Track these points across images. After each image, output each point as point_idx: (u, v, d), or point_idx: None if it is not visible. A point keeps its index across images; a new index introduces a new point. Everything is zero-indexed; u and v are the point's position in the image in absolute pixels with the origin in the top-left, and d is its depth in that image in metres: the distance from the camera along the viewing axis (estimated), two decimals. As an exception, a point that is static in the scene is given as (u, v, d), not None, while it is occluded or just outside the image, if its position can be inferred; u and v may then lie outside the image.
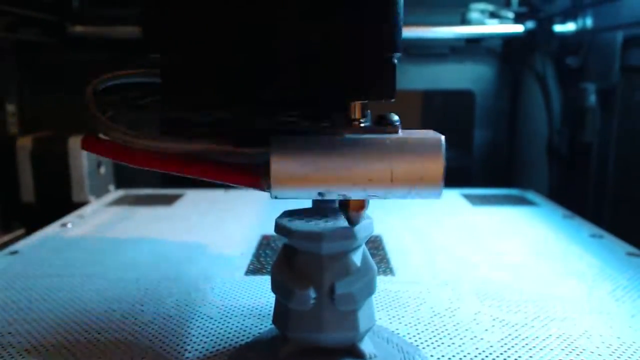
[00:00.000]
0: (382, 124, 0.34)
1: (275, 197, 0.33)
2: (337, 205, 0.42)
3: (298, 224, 0.37)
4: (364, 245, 0.38)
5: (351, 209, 0.35)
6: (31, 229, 0.94)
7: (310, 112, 0.36)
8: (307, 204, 0.41)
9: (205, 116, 0.37)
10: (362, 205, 0.35)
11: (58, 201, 1.01)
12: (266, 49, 0.31)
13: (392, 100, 0.32)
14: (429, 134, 0.34)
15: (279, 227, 0.38)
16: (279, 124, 0.35)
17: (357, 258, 0.37)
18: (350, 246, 0.37)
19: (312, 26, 0.30)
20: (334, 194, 0.33)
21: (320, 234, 0.35)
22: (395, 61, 0.31)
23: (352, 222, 0.36)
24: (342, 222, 0.37)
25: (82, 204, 0.99)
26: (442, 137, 0.33)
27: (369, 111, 0.35)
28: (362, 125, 0.33)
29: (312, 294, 0.36)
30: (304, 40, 0.31)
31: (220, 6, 0.30)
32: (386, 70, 0.31)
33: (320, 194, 0.33)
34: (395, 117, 0.34)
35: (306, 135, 0.33)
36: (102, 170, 1.07)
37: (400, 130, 0.33)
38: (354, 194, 0.33)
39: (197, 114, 0.37)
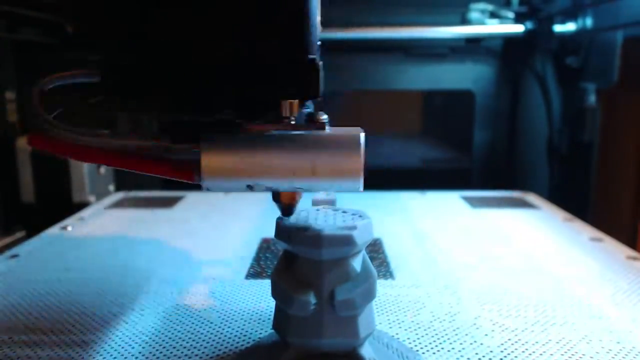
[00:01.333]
0: (310, 121, 0.36)
1: (207, 189, 0.36)
2: (336, 205, 0.42)
3: (298, 229, 0.37)
4: (364, 251, 0.38)
5: (282, 201, 0.38)
6: (31, 229, 0.94)
7: (244, 110, 0.37)
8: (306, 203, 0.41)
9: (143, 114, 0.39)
10: (293, 197, 0.38)
11: (58, 201, 1.01)
12: (199, 51, 0.33)
13: (318, 99, 0.34)
14: (352, 130, 0.36)
15: (279, 233, 0.38)
16: (213, 121, 0.37)
17: (357, 263, 0.38)
18: (350, 252, 0.37)
19: (240, 31, 0.33)
20: (262, 187, 0.36)
21: (320, 240, 0.35)
22: (319, 62, 0.34)
23: (285, 213, 0.38)
24: (344, 220, 0.38)
25: (82, 204, 1.00)
26: (362, 133, 0.35)
27: (306, 110, 0.37)
28: (291, 122, 0.36)
29: (313, 299, 0.36)
30: (234, 43, 0.33)
31: (153, 9, 0.33)
32: (308, 70, 0.33)
33: (249, 186, 0.36)
34: (324, 115, 0.36)
35: (237, 132, 0.36)
36: (102, 170, 1.07)
37: (327, 128, 0.36)
38: (281, 187, 0.36)
39: (138, 113, 0.39)
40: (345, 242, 0.36)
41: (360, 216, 0.38)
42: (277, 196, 0.38)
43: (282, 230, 0.37)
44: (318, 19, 0.35)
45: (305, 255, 0.37)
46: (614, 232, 0.95)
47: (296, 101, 0.35)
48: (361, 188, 0.36)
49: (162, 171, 0.37)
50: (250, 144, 0.35)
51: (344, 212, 0.40)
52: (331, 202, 0.45)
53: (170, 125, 0.38)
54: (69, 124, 0.36)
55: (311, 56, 0.33)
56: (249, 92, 0.34)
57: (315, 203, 0.48)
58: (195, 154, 0.36)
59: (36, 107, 0.37)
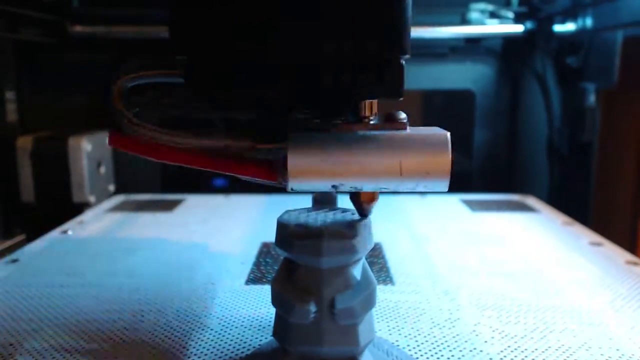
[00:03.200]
0: (390, 121, 0.36)
1: (292, 190, 0.35)
2: (336, 203, 0.42)
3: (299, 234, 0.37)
4: (364, 259, 0.38)
5: (362, 201, 0.37)
6: (31, 229, 0.94)
7: (324, 110, 0.37)
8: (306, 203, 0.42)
9: (224, 114, 0.39)
10: (373, 197, 0.37)
11: (58, 201, 1.01)
12: (283, 52, 0.33)
13: (400, 99, 0.34)
14: (436, 130, 0.36)
15: (279, 241, 0.38)
16: (294, 121, 0.37)
17: (357, 272, 0.38)
18: (350, 260, 0.37)
19: (324, 29, 0.33)
20: (347, 187, 0.35)
21: (320, 249, 0.35)
22: (403, 62, 0.33)
23: (364, 214, 0.38)
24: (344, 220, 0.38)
25: (82, 204, 1.00)
26: (448, 133, 0.35)
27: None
28: (371, 122, 0.36)
29: (313, 308, 0.36)
30: (318, 44, 0.33)
31: (242, 11, 0.33)
32: (394, 70, 0.33)
33: (333, 186, 0.35)
34: (403, 115, 0.36)
35: (320, 132, 0.36)
36: (102, 170, 1.07)
37: (408, 127, 0.36)
38: (366, 187, 0.36)
39: (218, 113, 0.39)
40: (346, 250, 0.36)
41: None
42: (356, 196, 0.37)
43: (283, 239, 0.37)
44: (410, 18, 0.34)
45: (305, 263, 0.37)
46: (614, 232, 0.96)
47: (376, 101, 0.36)
48: (447, 188, 0.36)
49: (245, 172, 0.37)
50: (337, 144, 0.35)
51: (344, 211, 0.40)
52: (331, 201, 0.45)
53: (252, 124, 0.38)
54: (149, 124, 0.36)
55: (406, 56, 0.33)
56: (336, 91, 0.34)
57: (315, 202, 0.48)
58: (279, 154, 0.35)
59: (116, 105, 0.36)
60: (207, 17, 0.33)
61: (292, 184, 0.35)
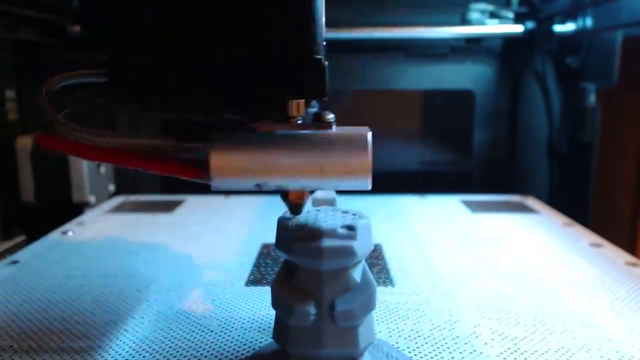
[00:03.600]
0: (317, 121, 0.36)
1: (215, 188, 0.37)
2: (336, 204, 0.42)
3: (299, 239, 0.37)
4: (363, 261, 0.38)
5: (290, 199, 0.38)
6: (31, 229, 0.94)
7: (251, 110, 0.38)
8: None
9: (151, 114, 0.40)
10: (300, 196, 0.38)
11: (58, 201, 1.01)
12: (205, 51, 0.34)
13: (324, 98, 0.35)
14: (358, 129, 0.36)
15: (279, 243, 0.38)
16: (221, 121, 0.38)
17: (357, 274, 0.38)
18: (350, 263, 0.37)
19: (244, 31, 0.33)
20: (271, 185, 0.36)
21: (321, 251, 0.35)
22: (325, 62, 0.34)
23: (293, 212, 0.39)
24: (344, 221, 0.38)
25: (82, 204, 1.00)
26: (369, 133, 0.36)
27: (312, 109, 0.38)
28: (298, 122, 0.36)
29: (313, 310, 0.36)
30: (241, 43, 0.33)
31: (161, 9, 0.33)
32: (314, 70, 0.34)
33: (257, 185, 0.36)
34: (330, 115, 0.36)
35: (244, 131, 0.36)
36: (102, 170, 1.07)
37: (334, 127, 0.36)
38: (289, 185, 0.36)
39: (144, 113, 0.40)
40: (346, 253, 0.36)
41: (359, 216, 0.39)
42: (285, 195, 0.38)
43: (283, 241, 0.37)
44: (323, 19, 0.35)
45: (305, 266, 0.37)
46: (614, 233, 0.95)
47: (302, 101, 0.36)
48: (369, 186, 0.36)
49: (171, 170, 0.37)
50: (259, 143, 0.36)
51: (344, 212, 0.40)
52: (331, 202, 0.45)
53: (178, 124, 0.38)
54: (77, 124, 0.37)
55: (317, 56, 0.34)
56: (256, 92, 0.35)
57: (315, 203, 0.48)
58: (204, 154, 0.36)
59: (45, 106, 0.37)
60: (124, 15, 0.33)
61: (215, 182, 0.36)
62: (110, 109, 0.39)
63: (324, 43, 0.36)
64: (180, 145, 0.37)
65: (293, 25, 0.33)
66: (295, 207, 0.38)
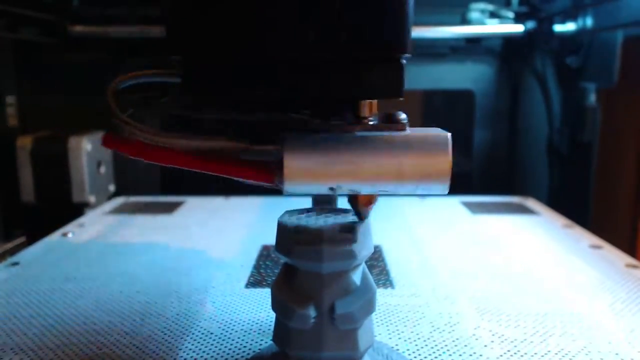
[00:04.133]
0: (390, 121, 0.35)
1: (287, 193, 0.35)
2: (336, 203, 0.42)
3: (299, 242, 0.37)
4: (363, 264, 0.38)
5: (360, 204, 0.37)
6: (31, 229, 0.94)
7: (322, 111, 0.37)
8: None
9: (221, 115, 0.39)
10: (370, 200, 0.37)
11: (58, 201, 1.01)
12: (280, 50, 0.32)
13: (401, 98, 0.33)
14: (436, 131, 0.35)
15: (279, 246, 0.38)
16: (292, 122, 0.37)
17: (357, 277, 0.38)
18: (350, 265, 0.37)
19: (322, 28, 0.31)
20: (345, 189, 0.34)
21: (321, 254, 0.35)
22: (404, 61, 0.32)
23: (362, 217, 0.37)
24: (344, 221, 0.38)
25: (82, 204, 1.00)
26: (449, 135, 0.34)
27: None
28: (371, 123, 0.35)
29: (312, 313, 0.36)
30: (315, 42, 0.32)
31: (240, 10, 0.32)
32: (393, 70, 0.32)
33: (331, 189, 0.34)
34: (403, 115, 0.35)
35: (317, 133, 0.35)
36: (102, 170, 1.07)
37: (407, 128, 0.35)
38: (364, 190, 0.35)
39: (214, 113, 0.39)
40: (346, 256, 0.36)
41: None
42: (354, 199, 0.37)
43: (283, 244, 0.37)
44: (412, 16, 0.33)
45: (305, 268, 0.37)
46: (614, 233, 0.96)
47: (375, 101, 0.35)
48: (447, 190, 0.35)
49: (241, 174, 0.36)
50: (335, 145, 0.34)
51: (344, 212, 0.40)
52: (331, 201, 0.45)
53: (248, 125, 0.37)
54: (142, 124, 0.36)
55: (407, 55, 0.32)
56: (332, 92, 0.33)
57: (315, 202, 0.48)
58: (275, 156, 0.34)
59: (111, 106, 0.36)
60: (202, 16, 0.32)
61: (288, 186, 0.34)
62: (174, 110, 0.39)
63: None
64: (249, 146, 0.35)
65: (389, 24, 0.31)
66: (364, 211, 0.37)
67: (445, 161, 0.34)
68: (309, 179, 0.34)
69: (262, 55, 0.33)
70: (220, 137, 0.35)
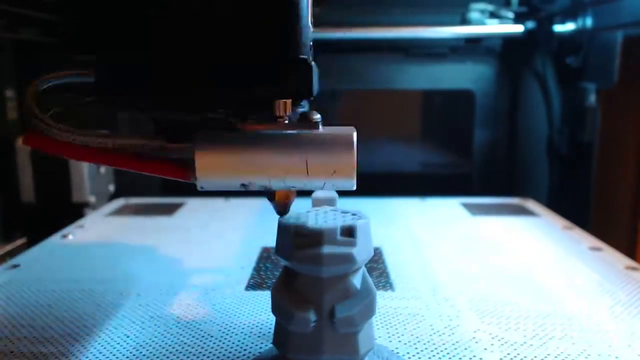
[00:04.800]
0: (303, 120, 0.37)
1: (202, 188, 0.37)
2: (336, 203, 0.42)
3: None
4: (363, 267, 0.38)
5: (277, 200, 0.39)
6: (31, 230, 0.94)
7: (238, 110, 0.38)
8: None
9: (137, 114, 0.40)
10: (287, 196, 0.39)
11: (58, 201, 1.01)
12: (191, 50, 0.34)
13: (311, 97, 0.35)
14: (344, 129, 0.37)
15: (279, 249, 0.38)
16: (207, 120, 0.38)
17: (357, 280, 0.38)
18: (350, 269, 0.37)
19: (232, 29, 0.34)
20: (256, 186, 0.37)
21: (321, 258, 0.35)
22: (312, 61, 0.34)
23: (278, 212, 0.39)
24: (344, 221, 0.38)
25: (82, 204, 1.00)
26: (354, 133, 0.36)
27: (300, 110, 0.38)
28: (285, 122, 0.36)
29: (312, 316, 0.36)
30: (226, 43, 0.34)
31: (146, 9, 0.33)
32: (299, 69, 0.34)
33: (243, 185, 0.37)
34: (317, 115, 0.37)
35: (230, 131, 0.37)
36: (102, 170, 1.07)
37: (320, 127, 0.36)
38: (275, 186, 0.37)
39: (131, 112, 0.40)
40: (346, 260, 0.36)
41: (359, 217, 0.38)
42: (272, 195, 0.38)
43: (283, 248, 0.38)
44: (309, 19, 0.35)
45: (305, 272, 0.37)
46: (614, 232, 0.96)
47: (289, 101, 0.36)
48: (354, 186, 0.37)
49: (157, 170, 0.38)
50: (244, 143, 0.36)
51: (344, 212, 0.40)
52: (331, 202, 0.45)
53: (164, 124, 0.38)
54: (64, 124, 0.37)
55: (302, 56, 0.34)
56: (243, 91, 0.35)
57: (315, 203, 0.48)
58: (189, 153, 0.36)
59: (31, 106, 0.37)
60: (110, 14, 0.34)
61: (201, 182, 0.36)
62: (98, 109, 0.40)
63: (311, 43, 0.36)
64: (166, 145, 0.37)
65: (276, 25, 0.33)
66: (282, 207, 0.39)
67: (349, 158, 0.36)
68: (220, 175, 0.36)
69: (175, 57, 0.34)
70: (136, 136, 0.37)
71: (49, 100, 0.38)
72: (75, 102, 0.40)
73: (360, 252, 0.36)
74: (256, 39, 0.34)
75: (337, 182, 0.37)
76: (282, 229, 0.38)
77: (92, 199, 1.02)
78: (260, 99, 0.36)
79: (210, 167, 0.36)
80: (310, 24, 0.36)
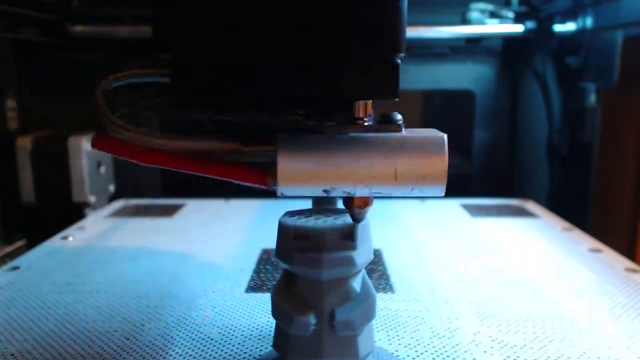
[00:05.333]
0: (385, 122, 0.35)
1: (282, 195, 0.34)
2: (335, 204, 0.42)
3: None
4: (363, 270, 0.38)
5: (355, 206, 0.36)
6: (31, 230, 0.94)
7: (315, 111, 0.36)
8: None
9: (212, 115, 0.38)
10: (366, 202, 0.36)
11: (58, 201, 1.01)
12: (272, 50, 0.32)
13: (396, 100, 0.33)
14: (432, 132, 0.35)
15: (279, 253, 0.38)
16: (285, 122, 0.36)
17: (357, 283, 0.38)
18: (350, 272, 0.37)
19: (316, 27, 0.31)
20: (339, 192, 0.34)
21: (320, 261, 0.35)
22: (399, 61, 0.32)
23: (356, 219, 0.37)
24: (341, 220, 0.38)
25: (82, 203, 1.00)
26: (445, 136, 0.34)
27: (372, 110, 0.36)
28: (365, 124, 0.35)
29: (312, 320, 0.36)
30: (309, 41, 0.31)
31: (231, 9, 0.31)
32: (388, 70, 0.32)
33: (325, 191, 0.34)
34: (399, 116, 0.35)
35: (311, 134, 0.34)
36: (102, 170, 1.07)
37: (403, 129, 0.35)
38: (359, 192, 0.34)
39: (205, 114, 0.38)
40: (346, 263, 0.36)
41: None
42: (349, 201, 0.36)
43: (283, 251, 0.38)
44: (405, 17, 0.33)
45: (305, 275, 0.37)
46: (614, 232, 0.96)
47: (370, 102, 0.35)
48: (443, 192, 0.35)
49: (234, 175, 0.36)
50: (329, 146, 0.34)
51: (343, 212, 0.40)
52: (331, 201, 0.45)
53: (241, 126, 0.37)
54: (133, 125, 0.35)
55: (401, 55, 0.32)
56: (326, 92, 0.33)
57: (315, 203, 0.48)
58: (269, 157, 0.34)
59: (101, 107, 0.35)
60: (190, 15, 0.32)
61: (282, 188, 0.34)
62: (168, 110, 0.38)
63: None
64: (242, 148, 0.35)
65: (382, 25, 0.31)
66: (359, 213, 0.36)
67: (441, 163, 0.34)
68: (303, 181, 0.34)
69: (255, 57, 0.32)
70: (211, 138, 0.35)
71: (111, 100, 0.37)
72: (144, 103, 0.39)
73: (361, 255, 0.37)
74: (355, 38, 0.31)
75: (425, 188, 0.34)
76: (282, 232, 0.38)
77: (92, 199, 1.02)
78: (341, 100, 0.35)
79: (294, 172, 0.33)
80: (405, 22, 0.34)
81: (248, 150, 0.35)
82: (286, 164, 0.33)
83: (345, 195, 0.35)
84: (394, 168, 0.34)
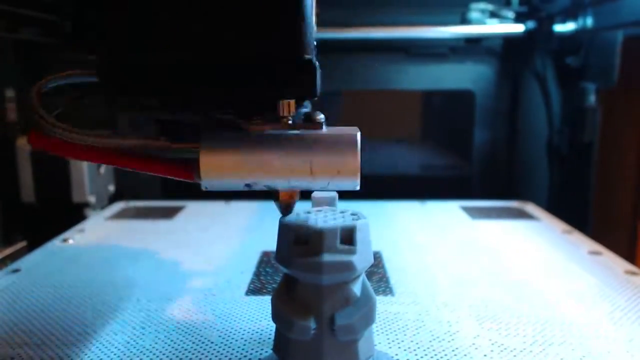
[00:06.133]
0: (307, 121, 0.37)
1: (206, 188, 0.37)
2: (336, 203, 0.42)
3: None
4: (363, 274, 0.39)
5: (281, 200, 0.39)
6: (31, 230, 0.94)
7: (244, 110, 0.38)
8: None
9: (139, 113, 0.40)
10: (291, 195, 0.39)
11: (58, 201, 1.01)
12: (197, 50, 0.34)
13: (315, 98, 0.36)
14: (348, 130, 0.37)
15: (279, 257, 0.38)
16: (211, 121, 0.38)
17: (357, 288, 0.38)
18: (350, 277, 0.37)
19: (237, 32, 0.34)
20: (260, 185, 0.37)
21: (320, 266, 0.35)
22: (315, 62, 0.35)
23: (283, 212, 0.39)
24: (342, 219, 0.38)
25: (82, 204, 1.00)
26: (358, 133, 0.36)
27: (304, 110, 0.39)
28: (289, 122, 0.36)
29: (312, 324, 0.36)
30: (232, 42, 0.34)
31: (153, 11, 0.34)
32: (304, 70, 0.35)
33: (247, 185, 0.37)
34: (321, 115, 0.37)
35: (235, 131, 0.37)
36: (102, 170, 1.07)
37: (324, 127, 0.37)
38: (279, 185, 0.37)
39: (134, 112, 0.40)
40: (346, 268, 0.36)
41: (358, 217, 0.39)
42: (275, 195, 0.38)
43: (283, 255, 0.38)
44: (313, 19, 0.36)
45: (305, 280, 0.37)
46: (614, 233, 0.96)
47: (293, 101, 0.36)
48: (358, 187, 0.37)
49: (162, 170, 0.38)
50: (249, 143, 0.36)
51: (343, 212, 0.40)
52: (331, 202, 0.45)
53: (169, 124, 0.38)
54: (66, 124, 0.37)
55: (307, 56, 0.34)
56: (247, 92, 0.35)
57: (315, 203, 0.48)
58: (194, 154, 0.36)
59: (35, 107, 0.37)
60: (110, 14, 0.34)
61: (206, 182, 0.37)
62: (102, 109, 0.40)
63: (315, 43, 0.37)
64: (170, 145, 0.37)
65: (282, 26, 0.34)
66: (286, 207, 0.39)
67: (353, 158, 0.36)
68: (224, 175, 0.36)
69: (180, 57, 0.34)
70: (140, 136, 0.37)
71: (47, 101, 0.39)
72: (76, 102, 0.40)
73: (361, 260, 0.37)
74: (262, 39, 0.34)
75: (341, 182, 0.37)
76: (282, 236, 0.38)
77: (92, 199, 1.01)
78: (265, 99, 0.36)
79: (215, 167, 0.36)
80: (314, 23, 0.36)
81: (176, 147, 0.37)
82: (208, 160, 0.36)
83: (266, 189, 0.37)
84: (309, 163, 0.36)
